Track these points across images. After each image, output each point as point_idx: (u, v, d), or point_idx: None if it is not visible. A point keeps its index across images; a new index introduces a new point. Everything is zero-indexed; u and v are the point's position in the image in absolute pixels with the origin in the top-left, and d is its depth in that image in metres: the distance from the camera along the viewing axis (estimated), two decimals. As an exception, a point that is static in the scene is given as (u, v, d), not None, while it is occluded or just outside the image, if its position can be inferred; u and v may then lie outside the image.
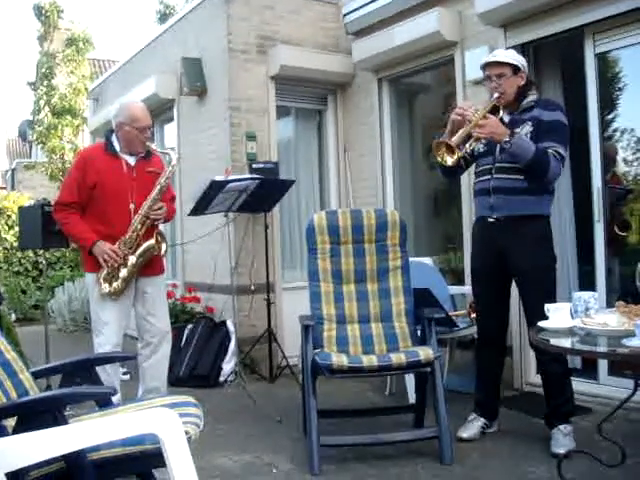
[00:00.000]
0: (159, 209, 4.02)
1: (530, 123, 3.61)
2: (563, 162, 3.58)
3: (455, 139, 3.52)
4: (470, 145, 3.61)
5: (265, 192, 5.23)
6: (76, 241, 4.29)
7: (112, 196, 3.96)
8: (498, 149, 3.66)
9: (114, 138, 4.07)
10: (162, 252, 4.11)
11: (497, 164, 3.67)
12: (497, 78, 3.65)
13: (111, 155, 4.03)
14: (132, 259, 3.96)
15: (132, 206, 3.98)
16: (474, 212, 4.09)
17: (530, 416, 4.19)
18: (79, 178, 3.97)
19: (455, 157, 3.53)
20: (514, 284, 3.84)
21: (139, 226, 3.97)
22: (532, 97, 3.72)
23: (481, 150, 3.79)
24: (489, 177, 3.70)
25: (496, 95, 3.63)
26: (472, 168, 3.99)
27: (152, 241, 4.02)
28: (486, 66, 3.72)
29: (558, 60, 4.99)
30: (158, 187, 3.99)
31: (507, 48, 4.81)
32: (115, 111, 4.14)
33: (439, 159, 3.57)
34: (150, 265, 4.09)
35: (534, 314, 3.22)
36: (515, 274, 3.77)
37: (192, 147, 6.64)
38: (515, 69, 3.66)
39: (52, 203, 4.43)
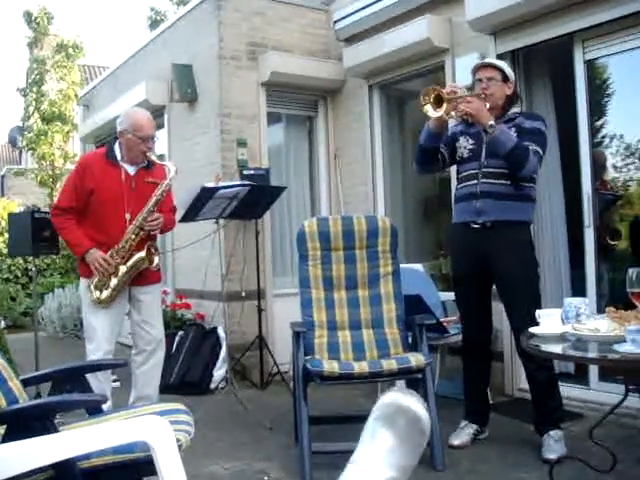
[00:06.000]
0: (154, 220, 3.97)
1: (513, 129, 3.67)
2: (540, 162, 3.64)
3: (446, 96, 3.53)
4: (455, 115, 3.64)
5: (256, 199, 5.22)
6: (70, 247, 4.23)
7: (108, 204, 3.92)
8: (484, 154, 3.70)
9: (117, 146, 4.03)
10: (153, 265, 4.04)
11: (484, 169, 3.70)
12: (487, 80, 3.72)
13: (111, 163, 3.98)
14: (123, 269, 3.92)
15: (128, 216, 3.94)
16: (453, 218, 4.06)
17: (521, 422, 4.18)
18: (77, 183, 3.95)
19: (437, 113, 3.53)
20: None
21: (132, 236, 3.92)
22: (516, 109, 3.82)
23: (465, 155, 3.81)
24: (475, 182, 3.71)
25: (483, 87, 3.70)
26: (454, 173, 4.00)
27: (142, 253, 3.95)
28: (478, 69, 3.80)
29: (548, 67, 5.02)
30: (154, 199, 3.95)
31: (497, 55, 4.87)
32: (120, 118, 4.08)
33: (422, 103, 3.54)
34: (146, 274, 4.05)
35: (523, 320, 3.23)
36: (500, 280, 3.77)
37: (182, 153, 6.62)
38: (505, 77, 3.75)
39: (42, 209, 4.40)
